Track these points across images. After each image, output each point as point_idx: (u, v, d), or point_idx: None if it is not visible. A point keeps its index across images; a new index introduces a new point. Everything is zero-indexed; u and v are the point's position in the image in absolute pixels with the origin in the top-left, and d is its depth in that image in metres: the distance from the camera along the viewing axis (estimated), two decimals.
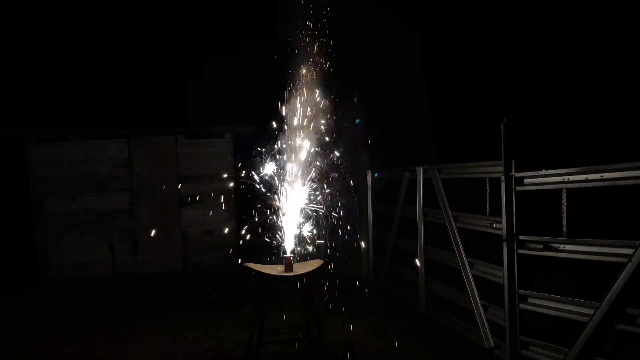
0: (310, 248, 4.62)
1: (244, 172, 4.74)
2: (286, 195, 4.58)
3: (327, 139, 4.72)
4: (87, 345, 5.47)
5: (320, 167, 4.67)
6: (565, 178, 3.98)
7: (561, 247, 4.02)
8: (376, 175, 7.47)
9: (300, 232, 4.60)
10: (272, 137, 4.67)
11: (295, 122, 4.58)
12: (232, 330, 5.71)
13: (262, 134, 4.79)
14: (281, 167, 4.62)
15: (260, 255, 5.15)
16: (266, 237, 4.74)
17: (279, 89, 4.66)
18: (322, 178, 4.68)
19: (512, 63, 8.89)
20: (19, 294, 7.88)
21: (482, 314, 4.95)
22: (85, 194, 8.82)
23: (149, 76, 9.47)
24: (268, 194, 4.66)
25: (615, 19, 7.96)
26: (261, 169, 4.67)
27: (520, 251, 4.40)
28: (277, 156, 4.64)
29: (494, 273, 4.80)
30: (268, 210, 4.66)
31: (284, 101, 4.62)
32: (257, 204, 4.73)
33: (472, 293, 5.09)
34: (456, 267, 5.39)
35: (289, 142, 4.59)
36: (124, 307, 6.96)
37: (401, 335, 5.48)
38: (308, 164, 4.61)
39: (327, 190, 4.70)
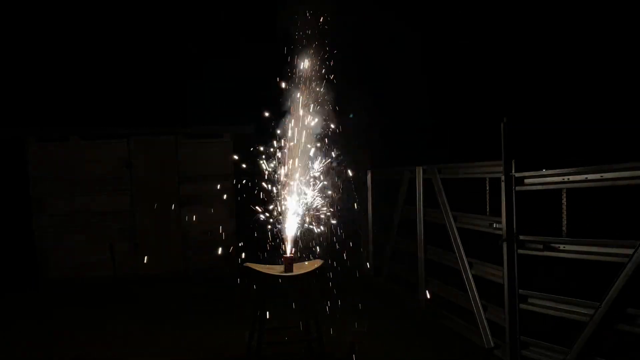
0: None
1: (244, 172, 4.75)
2: (286, 195, 4.58)
3: (327, 139, 4.72)
4: (87, 346, 5.47)
5: (321, 166, 4.67)
6: (565, 178, 3.98)
7: (561, 247, 4.02)
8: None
9: (302, 228, 4.60)
10: (272, 137, 4.67)
11: (296, 122, 4.58)
12: (232, 330, 5.70)
13: (262, 134, 4.79)
14: (281, 167, 4.62)
15: (260, 255, 5.16)
16: (266, 237, 4.75)
17: (279, 88, 4.66)
18: (322, 177, 4.68)
19: (512, 63, 8.89)
20: (19, 294, 7.89)
21: (482, 314, 4.95)
22: (85, 194, 8.82)
23: (149, 76, 9.47)
24: (268, 194, 4.67)
25: (616, 19, 7.96)
26: (261, 168, 4.67)
27: (520, 251, 4.40)
28: (277, 156, 4.64)
29: (494, 273, 4.80)
30: (268, 210, 4.66)
31: (283, 101, 4.62)
32: (257, 204, 4.73)
33: (472, 293, 5.09)
34: (456, 267, 5.39)
35: (289, 142, 4.59)
36: (124, 307, 6.96)
37: (401, 335, 5.48)
38: (308, 164, 4.61)
39: (328, 190, 4.70)
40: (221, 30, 9.49)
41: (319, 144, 4.65)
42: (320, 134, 4.66)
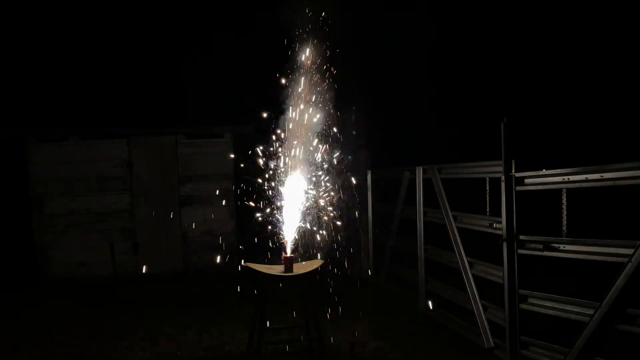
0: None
1: (244, 171, 4.74)
2: (286, 194, 4.58)
3: (326, 139, 4.72)
4: (87, 346, 5.47)
5: (321, 166, 4.67)
6: (566, 178, 3.98)
7: (561, 247, 4.02)
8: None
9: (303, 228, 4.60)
10: (272, 136, 4.67)
11: (296, 121, 4.58)
12: (232, 330, 5.71)
13: (262, 133, 4.79)
14: (281, 167, 4.62)
15: (260, 255, 5.15)
16: (266, 237, 4.74)
17: (279, 88, 4.66)
18: (323, 177, 4.68)
19: (513, 63, 8.89)
20: (19, 294, 7.88)
21: (482, 314, 4.95)
22: (85, 194, 8.82)
23: (149, 76, 9.47)
24: (268, 194, 4.66)
25: (616, 20, 7.97)
26: (261, 168, 4.67)
27: (521, 251, 4.39)
28: (277, 156, 4.64)
29: (494, 273, 4.80)
30: (268, 210, 4.65)
31: (284, 101, 4.62)
32: (258, 204, 4.73)
33: (472, 293, 5.09)
34: (456, 267, 5.39)
35: (289, 142, 4.59)
36: (124, 307, 6.96)
37: (401, 335, 5.48)
38: (309, 163, 4.61)
39: (329, 188, 4.70)
40: (221, 30, 9.49)
41: (319, 145, 4.64)
42: (320, 133, 4.65)
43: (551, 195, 4.20)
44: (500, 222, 4.58)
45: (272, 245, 4.79)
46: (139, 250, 8.91)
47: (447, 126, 8.84)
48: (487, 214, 4.91)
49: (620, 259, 3.52)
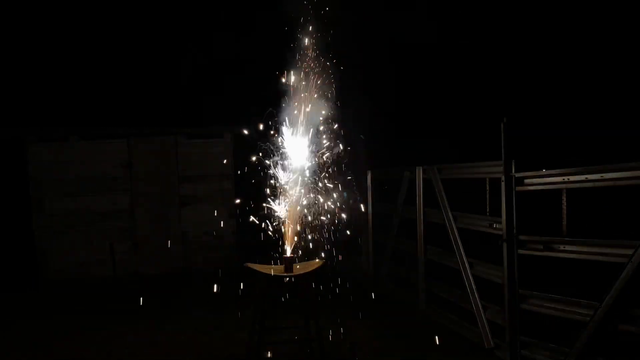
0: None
1: (244, 171, 4.74)
2: (287, 194, 4.58)
3: (327, 138, 4.72)
4: (87, 346, 5.47)
5: (321, 165, 4.67)
6: (566, 178, 3.98)
7: (561, 247, 4.02)
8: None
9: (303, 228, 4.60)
10: (272, 136, 4.67)
11: (296, 121, 4.58)
12: (232, 331, 5.71)
13: (262, 133, 4.79)
14: (281, 167, 4.62)
15: (260, 255, 5.15)
16: (266, 237, 4.74)
17: (279, 88, 4.66)
18: (323, 176, 4.68)
19: (513, 62, 8.89)
20: (18, 294, 7.88)
21: (482, 314, 4.95)
22: (85, 194, 8.82)
23: (149, 76, 9.47)
24: (268, 193, 4.66)
25: (617, 21, 7.96)
26: (261, 168, 4.67)
27: (521, 251, 4.40)
28: (277, 156, 4.64)
29: (494, 273, 4.80)
30: (268, 210, 4.65)
31: (284, 101, 4.62)
32: (258, 204, 4.73)
33: (472, 293, 5.09)
34: (456, 267, 5.39)
35: (289, 142, 4.59)
36: (124, 307, 6.95)
37: (401, 335, 5.48)
38: (309, 163, 4.61)
39: (330, 187, 4.70)
40: (221, 30, 9.50)
41: (319, 143, 4.64)
42: (320, 133, 4.65)
43: (551, 196, 4.20)
44: (500, 222, 4.58)
45: (272, 245, 4.79)
46: (138, 250, 8.92)
47: (447, 126, 8.84)
48: (487, 214, 4.91)
49: (620, 259, 3.53)
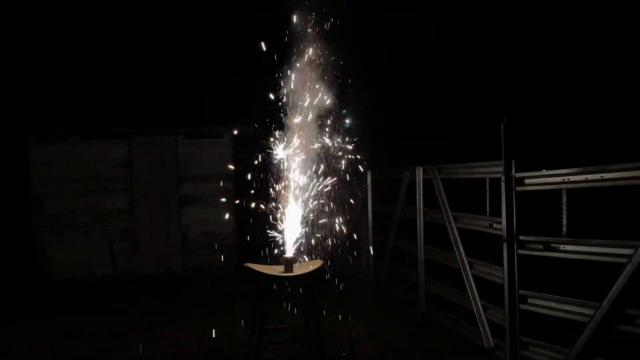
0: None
1: (244, 171, 4.75)
2: (287, 194, 4.58)
3: (327, 137, 4.72)
4: (87, 346, 5.47)
5: (322, 165, 4.67)
6: (566, 178, 3.98)
7: (561, 247, 4.02)
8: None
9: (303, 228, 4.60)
10: (272, 136, 4.67)
11: (296, 121, 4.58)
12: (232, 331, 5.70)
13: (262, 133, 4.79)
14: (281, 167, 4.62)
15: (260, 255, 5.16)
16: (266, 236, 4.74)
17: (279, 88, 4.66)
18: (323, 176, 4.68)
19: (513, 63, 8.89)
20: (18, 294, 7.88)
21: (482, 314, 4.95)
22: (85, 194, 8.82)
23: (149, 76, 9.47)
24: (268, 193, 4.67)
25: (617, 21, 7.96)
26: (261, 168, 4.67)
27: (521, 251, 4.40)
28: (277, 156, 4.64)
29: (494, 273, 4.80)
30: (268, 209, 4.65)
31: (283, 101, 4.62)
32: (258, 204, 4.73)
33: (472, 293, 5.09)
34: (456, 267, 5.39)
35: (290, 141, 4.59)
36: (124, 307, 6.96)
37: (401, 336, 5.48)
38: (309, 163, 4.61)
39: (329, 187, 4.70)
40: (221, 30, 9.50)
41: (319, 142, 4.64)
42: (320, 133, 4.66)
43: (551, 196, 4.20)
44: (500, 223, 4.58)
45: (272, 245, 4.79)
46: (138, 250, 8.92)
47: (447, 126, 8.84)
48: (487, 214, 4.91)
49: (620, 259, 3.52)
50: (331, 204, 4.75)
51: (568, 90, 8.25)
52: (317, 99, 4.58)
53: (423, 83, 9.11)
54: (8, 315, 6.81)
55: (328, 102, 4.63)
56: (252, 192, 4.84)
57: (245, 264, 4.51)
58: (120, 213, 8.92)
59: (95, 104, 9.19)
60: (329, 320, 5.71)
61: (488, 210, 4.91)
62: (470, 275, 5.14)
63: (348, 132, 4.89)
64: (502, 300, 4.58)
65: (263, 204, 4.69)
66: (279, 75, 4.67)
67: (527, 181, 4.36)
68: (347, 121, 4.86)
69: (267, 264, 4.71)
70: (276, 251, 4.76)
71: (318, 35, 4.61)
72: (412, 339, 5.39)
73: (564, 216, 4.03)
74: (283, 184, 4.59)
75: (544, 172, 4.20)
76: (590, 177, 3.79)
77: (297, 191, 4.56)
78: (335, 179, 4.71)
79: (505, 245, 4.48)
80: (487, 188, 4.92)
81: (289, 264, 4.42)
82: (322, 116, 4.63)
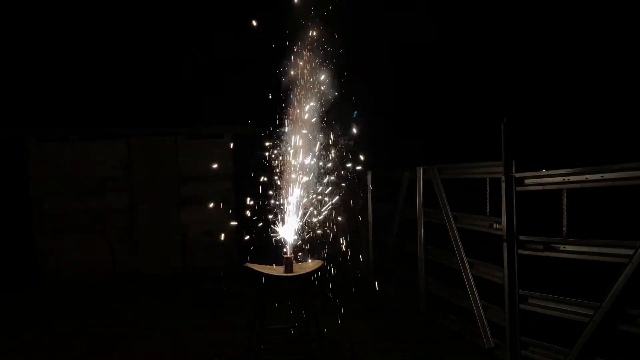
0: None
1: (244, 171, 4.75)
2: (287, 194, 4.58)
3: (327, 137, 4.72)
4: (87, 346, 5.47)
5: (322, 165, 4.67)
6: (566, 178, 3.97)
7: (562, 247, 4.02)
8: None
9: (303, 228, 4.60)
10: (272, 136, 4.67)
11: (296, 121, 4.58)
12: (231, 331, 5.70)
13: (262, 133, 4.79)
14: (282, 167, 4.62)
15: (259, 255, 5.15)
16: (266, 236, 4.74)
17: (280, 87, 4.66)
18: (323, 176, 4.68)
19: (513, 63, 8.89)
20: (18, 294, 7.88)
21: (482, 314, 4.95)
22: (85, 194, 8.82)
23: (149, 76, 9.46)
24: (268, 193, 4.67)
25: (617, 21, 7.96)
26: (261, 168, 4.67)
27: (521, 251, 4.39)
28: (277, 155, 4.64)
29: (494, 273, 4.79)
30: (268, 209, 4.66)
31: (284, 100, 4.62)
32: (258, 204, 4.73)
33: (472, 293, 5.09)
34: (456, 267, 5.39)
35: (290, 141, 4.59)
36: (124, 307, 6.96)
37: (401, 336, 5.48)
38: (309, 164, 4.61)
39: (330, 188, 4.70)
40: (221, 30, 9.49)
41: (319, 142, 4.64)
42: (321, 132, 4.66)
43: (551, 196, 4.20)
44: (500, 223, 4.58)
45: (273, 245, 4.78)
46: (138, 250, 8.92)
47: (447, 126, 8.84)
48: (488, 214, 4.91)
49: (620, 259, 3.52)
50: (331, 202, 4.75)
51: (568, 90, 8.24)
52: (317, 99, 4.58)
53: (423, 83, 9.10)
54: (8, 315, 6.81)
55: (328, 102, 4.63)
56: (252, 192, 4.83)
57: (245, 264, 4.51)
58: (120, 213, 8.93)
59: (95, 104, 9.19)
60: (329, 321, 5.70)
61: (488, 210, 4.91)
62: (470, 275, 5.14)
63: (349, 132, 4.89)
64: (502, 300, 4.57)
65: (263, 204, 4.69)
66: (279, 75, 4.67)
67: (527, 181, 4.36)
68: (353, 119, 4.86)
69: (267, 264, 4.71)
70: (276, 251, 4.76)
71: (318, 35, 4.61)
72: (412, 339, 5.39)
73: (564, 216, 4.03)
74: (283, 184, 4.59)
75: (544, 172, 4.19)
76: (590, 177, 3.79)
77: (296, 191, 4.56)
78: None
79: (505, 245, 4.48)
80: (487, 188, 4.92)
81: (289, 264, 4.43)
82: (322, 116, 4.63)
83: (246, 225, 4.88)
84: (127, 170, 8.92)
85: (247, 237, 4.86)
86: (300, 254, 4.73)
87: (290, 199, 4.56)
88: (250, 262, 4.59)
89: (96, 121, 8.97)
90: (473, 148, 6.51)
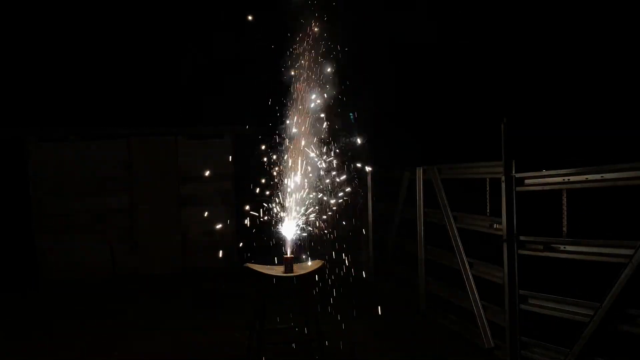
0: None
1: (243, 171, 4.75)
2: (287, 194, 4.58)
3: (328, 137, 4.72)
4: (87, 346, 5.47)
5: (322, 165, 4.67)
6: (566, 179, 3.97)
7: (562, 247, 4.02)
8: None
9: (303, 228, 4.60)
10: (272, 136, 4.67)
11: (296, 121, 4.58)
12: (231, 331, 5.70)
13: (262, 133, 4.79)
14: (281, 166, 4.62)
15: (260, 255, 5.15)
16: (266, 237, 4.75)
17: (280, 87, 4.66)
18: (323, 176, 4.68)
19: (513, 63, 8.88)
20: (18, 294, 7.88)
21: (482, 314, 4.95)
22: (85, 194, 8.82)
23: (149, 76, 9.46)
24: (268, 193, 4.67)
25: (617, 21, 7.96)
26: (261, 167, 4.67)
27: (521, 252, 4.39)
28: (277, 155, 4.64)
29: (494, 273, 4.79)
30: (268, 210, 4.65)
31: (284, 100, 4.62)
32: (258, 204, 4.73)
33: (473, 293, 5.09)
34: (456, 267, 5.39)
35: (289, 141, 4.59)
36: (124, 307, 6.96)
37: (401, 336, 5.48)
38: (309, 164, 4.61)
39: (330, 188, 4.70)
40: (221, 30, 9.49)
41: (319, 142, 4.65)
42: (320, 133, 4.66)
43: (551, 196, 4.20)
44: (500, 223, 4.58)
45: (273, 245, 4.79)
46: (138, 250, 8.91)
47: (447, 126, 8.83)
48: (488, 214, 4.91)
49: (620, 260, 3.52)
50: (331, 202, 4.75)
51: (568, 90, 8.24)
52: (317, 99, 4.58)
53: (423, 83, 9.10)
54: (8, 315, 6.81)
55: (328, 102, 4.63)
56: (252, 192, 4.83)
57: (245, 264, 4.51)
58: (120, 213, 8.93)
59: (95, 104, 9.18)
60: (329, 321, 5.70)
61: (488, 210, 4.91)
62: (470, 275, 5.14)
63: (349, 132, 4.89)
64: (502, 300, 4.57)
65: (263, 204, 4.69)
66: (278, 75, 4.67)
67: (527, 181, 4.36)
68: (352, 117, 4.86)
69: (267, 264, 4.71)
70: (276, 251, 4.76)
71: (318, 36, 4.61)
72: (412, 339, 5.39)
73: (564, 216, 4.03)
74: (283, 184, 4.59)
75: (544, 172, 4.19)
76: (590, 177, 3.79)
77: (297, 191, 4.56)
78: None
79: (505, 245, 4.48)
80: (488, 188, 4.92)
81: (289, 264, 4.43)
82: (322, 116, 4.63)
83: (246, 225, 4.88)
84: (127, 170, 8.92)
85: (247, 237, 4.86)
86: (300, 253, 4.73)
87: (290, 199, 4.56)
88: (250, 262, 4.59)
89: (96, 121, 8.97)
90: (473, 148, 6.51)
